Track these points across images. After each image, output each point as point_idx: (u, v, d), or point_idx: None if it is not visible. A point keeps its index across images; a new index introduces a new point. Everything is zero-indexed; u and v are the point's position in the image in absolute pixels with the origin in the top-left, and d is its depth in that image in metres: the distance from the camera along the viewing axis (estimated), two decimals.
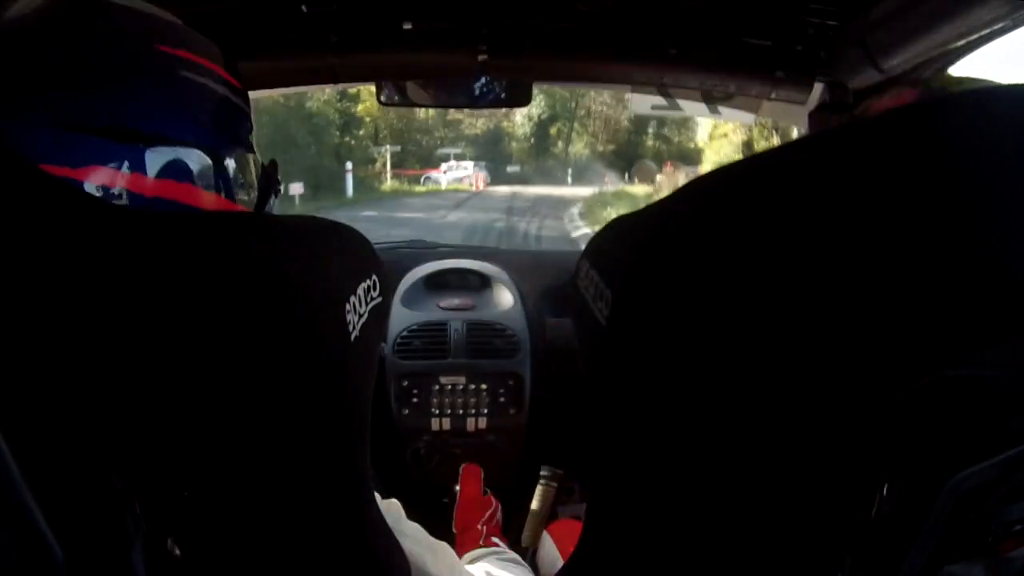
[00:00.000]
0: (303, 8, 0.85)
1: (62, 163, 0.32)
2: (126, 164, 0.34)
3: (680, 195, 0.29)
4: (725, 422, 0.24)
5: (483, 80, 1.01)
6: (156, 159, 0.35)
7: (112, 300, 0.25)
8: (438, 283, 1.41)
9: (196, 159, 0.38)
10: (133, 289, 0.25)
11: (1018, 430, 0.20)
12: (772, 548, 0.24)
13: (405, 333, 1.28)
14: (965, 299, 0.19)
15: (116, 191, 0.34)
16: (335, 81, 1.00)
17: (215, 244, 0.29)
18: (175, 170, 0.37)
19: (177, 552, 0.27)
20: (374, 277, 0.39)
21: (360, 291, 0.37)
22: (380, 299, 0.40)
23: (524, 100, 1.06)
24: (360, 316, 0.36)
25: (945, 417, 0.20)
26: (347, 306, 0.34)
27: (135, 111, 0.35)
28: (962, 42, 0.68)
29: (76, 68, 0.33)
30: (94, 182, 0.33)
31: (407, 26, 0.88)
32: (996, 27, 0.63)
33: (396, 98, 1.07)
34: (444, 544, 0.58)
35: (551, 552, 0.91)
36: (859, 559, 0.22)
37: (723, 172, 0.28)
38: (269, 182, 0.47)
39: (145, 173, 0.35)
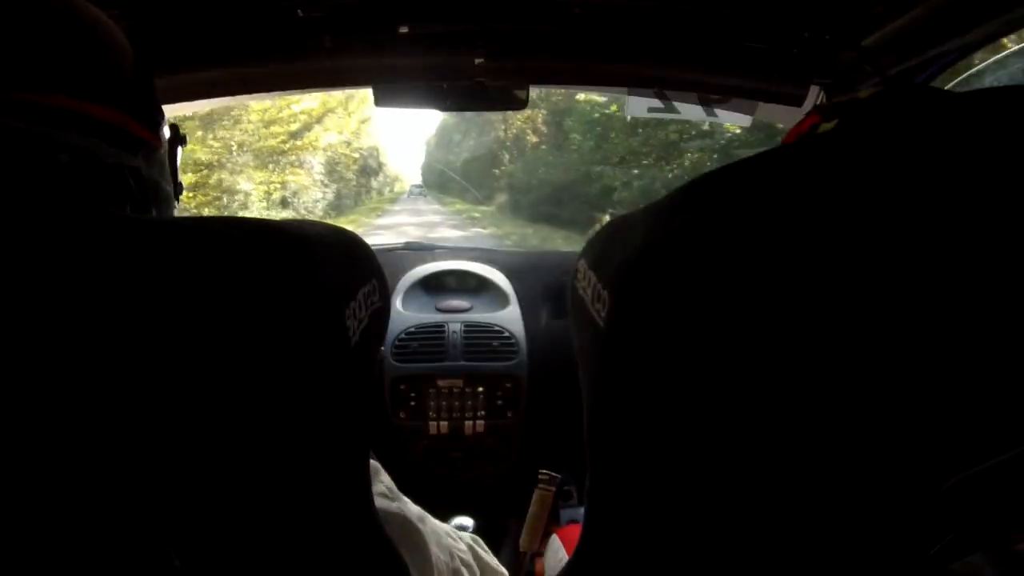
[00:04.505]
0: (298, 12, 0.85)
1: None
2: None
3: (678, 195, 0.29)
4: (724, 424, 0.24)
5: (480, 83, 1.01)
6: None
7: (110, 309, 0.24)
8: (436, 285, 1.41)
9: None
10: (131, 299, 0.25)
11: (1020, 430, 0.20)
12: (771, 547, 0.24)
13: (403, 335, 1.28)
14: (964, 303, 0.19)
15: None
16: (332, 85, 1.01)
17: (215, 252, 0.28)
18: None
19: (177, 564, 0.26)
20: (374, 282, 0.39)
21: (360, 296, 0.37)
22: (381, 304, 0.40)
23: (521, 103, 1.06)
24: (360, 321, 0.36)
25: (948, 417, 0.20)
26: (347, 311, 0.34)
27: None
28: (957, 45, 0.68)
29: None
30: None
31: (403, 29, 0.88)
32: (991, 30, 0.63)
33: (392, 102, 1.07)
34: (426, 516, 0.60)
35: (561, 556, 0.90)
36: (862, 556, 0.22)
37: (722, 173, 0.28)
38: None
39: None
